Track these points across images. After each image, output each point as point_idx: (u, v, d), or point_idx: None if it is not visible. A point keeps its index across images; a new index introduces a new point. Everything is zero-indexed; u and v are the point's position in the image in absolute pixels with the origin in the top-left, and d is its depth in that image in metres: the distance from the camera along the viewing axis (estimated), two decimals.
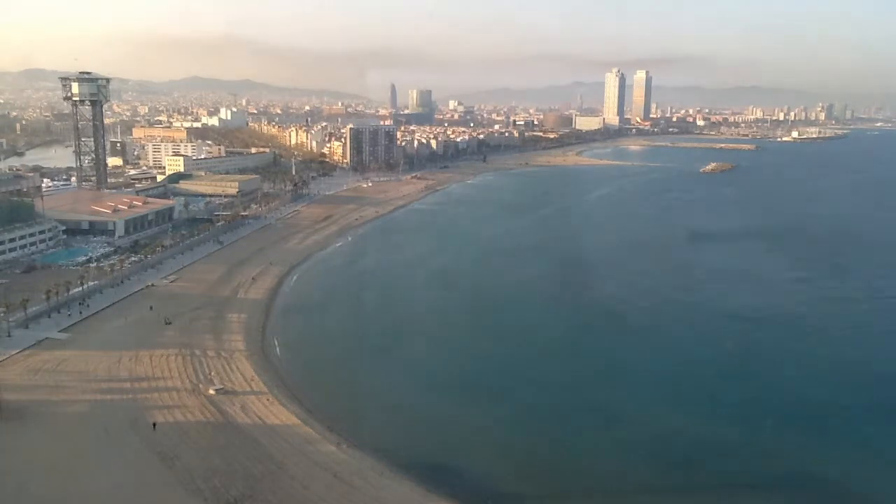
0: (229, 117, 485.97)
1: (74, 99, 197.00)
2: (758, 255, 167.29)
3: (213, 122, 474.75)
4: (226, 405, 76.38)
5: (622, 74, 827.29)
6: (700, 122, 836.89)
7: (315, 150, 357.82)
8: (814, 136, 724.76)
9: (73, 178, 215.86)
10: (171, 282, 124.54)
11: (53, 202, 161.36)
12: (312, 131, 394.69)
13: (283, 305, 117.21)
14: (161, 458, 64.50)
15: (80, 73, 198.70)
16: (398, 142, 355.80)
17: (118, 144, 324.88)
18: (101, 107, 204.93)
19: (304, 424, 73.66)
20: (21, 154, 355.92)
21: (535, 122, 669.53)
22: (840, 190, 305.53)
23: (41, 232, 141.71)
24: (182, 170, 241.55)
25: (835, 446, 73.87)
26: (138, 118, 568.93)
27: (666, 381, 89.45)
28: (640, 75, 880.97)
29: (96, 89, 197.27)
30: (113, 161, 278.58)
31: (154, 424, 70.29)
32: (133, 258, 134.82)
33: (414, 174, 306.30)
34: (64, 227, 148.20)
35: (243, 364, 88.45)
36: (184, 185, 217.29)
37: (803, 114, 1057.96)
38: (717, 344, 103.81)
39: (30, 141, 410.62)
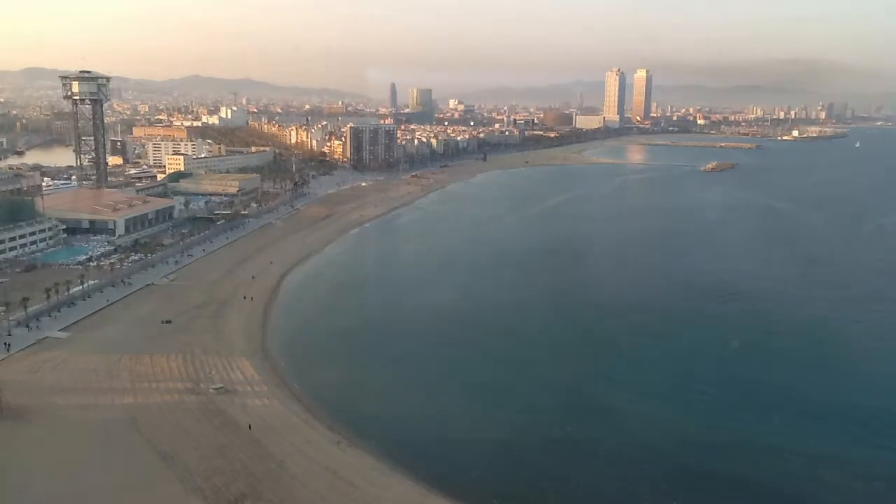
0: (229, 116, 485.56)
1: (75, 98, 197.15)
2: None
3: (214, 120, 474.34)
4: (226, 404, 76.33)
5: (622, 73, 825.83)
6: (700, 122, 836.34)
7: (315, 149, 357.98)
8: (814, 135, 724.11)
9: (74, 177, 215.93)
10: (171, 281, 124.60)
11: (54, 201, 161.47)
12: (312, 130, 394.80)
13: (284, 304, 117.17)
14: (161, 457, 64.48)
15: (81, 71, 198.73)
16: (398, 141, 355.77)
17: (118, 143, 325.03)
18: (102, 105, 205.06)
19: (304, 424, 73.69)
20: (21, 153, 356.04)
21: (536, 121, 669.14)
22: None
23: (41, 231, 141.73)
24: (182, 169, 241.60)
25: None
26: (139, 117, 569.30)
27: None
28: (641, 74, 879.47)
29: (96, 88, 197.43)
30: (113, 160, 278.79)
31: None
32: (133, 257, 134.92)
33: (414, 173, 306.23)
34: (64, 226, 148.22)
35: (243, 363, 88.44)
36: (184, 183, 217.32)
37: (804, 113, 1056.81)
38: None
39: (30, 140, 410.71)
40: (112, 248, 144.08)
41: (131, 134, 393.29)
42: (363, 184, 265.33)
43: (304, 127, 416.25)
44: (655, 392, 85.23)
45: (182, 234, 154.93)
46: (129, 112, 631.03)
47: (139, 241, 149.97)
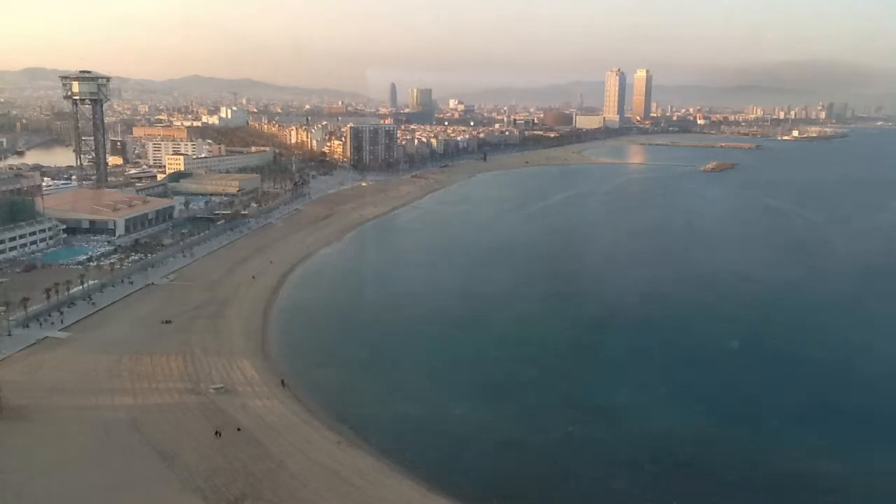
0: (229, 116, 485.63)
1: (75, 98, 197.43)
2: None
3: (214, 120, 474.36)
4: (226, 404, 76.33)
5: (622, 73, 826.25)
6: (700, 122, 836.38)
7: (315, 149, 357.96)
8: (814, 134, 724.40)
9: (74, 177, 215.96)
10: (171, 281, 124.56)
11: (54, 201, 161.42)
12: (312, 130, 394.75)
13: (284, 304, 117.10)
14: (161, 457, 64.46)
15: (81, 71, 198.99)
16: (398, 141, 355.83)
17: (119, 143, 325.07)
18: (102, 105, 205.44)
19: (304, 423, 73.63)
20: (21, 153, 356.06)
21: (536, 121, 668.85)
22: None
23: (42, 231, 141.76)
24: (182, 169, 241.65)
25: None
26: (139, 117, 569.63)
27: None
28: (641, 74, 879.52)
29: (96, 88, 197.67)
30: (113, 160, 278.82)
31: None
32: (133, 257, 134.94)
33: (414, 173, 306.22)
34: (64, 226, 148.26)
35: (243, 363, 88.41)
36: (184, 183, 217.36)
37: (804, 113, 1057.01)
38: None
39: (30, 140, 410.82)
40: (112, 248, 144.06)
41: (131, 134, 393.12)
42: (363, 184, 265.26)
43: (304, 127, 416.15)
44: (655, 392, 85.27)
45: (182, 234, 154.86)
46: (129, 112, 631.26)
47: (139, 241, 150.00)
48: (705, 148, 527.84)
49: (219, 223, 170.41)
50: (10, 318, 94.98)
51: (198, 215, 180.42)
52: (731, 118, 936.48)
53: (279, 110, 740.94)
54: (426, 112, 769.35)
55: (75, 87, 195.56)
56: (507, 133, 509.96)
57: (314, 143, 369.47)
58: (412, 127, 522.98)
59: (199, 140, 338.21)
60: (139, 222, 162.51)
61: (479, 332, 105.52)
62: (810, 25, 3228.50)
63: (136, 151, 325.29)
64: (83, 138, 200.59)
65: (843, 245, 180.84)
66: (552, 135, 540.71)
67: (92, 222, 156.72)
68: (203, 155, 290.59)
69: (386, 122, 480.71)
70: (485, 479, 65.72)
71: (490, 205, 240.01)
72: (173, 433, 69.08)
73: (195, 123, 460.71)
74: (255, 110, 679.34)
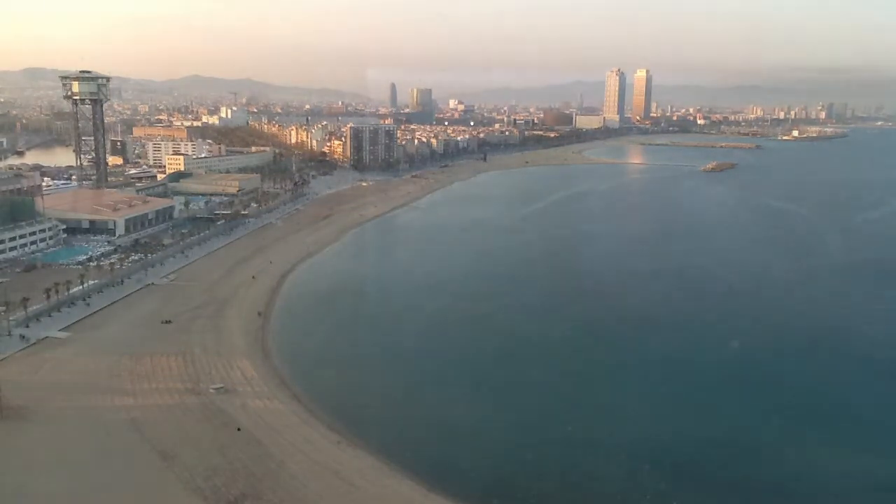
0: (230, 116, 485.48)
1: (75, 98, 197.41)
2: None
3: (214, 120, 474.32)
4: (226, 404, 76.36)
5: (622, 73, 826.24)
6: (700, 122, 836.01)
7: (315, 149, 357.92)
8: (814, 135, 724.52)
9: (74, 177, 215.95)
10: (171, 281, 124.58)
11: (54, 201, 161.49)
12: (312, 130, 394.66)
13: (283, 304, 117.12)
14: (161, 457, 64.50)
15: (81, 71, 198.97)
16: (398, 141, 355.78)
17: (119, 143, 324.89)
18: (102, 105, 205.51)
19: (304, 423, 73.72)
20: (21, 153, 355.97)
21: (536, 121, 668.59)
22: None
23: (42, 231, 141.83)
24: (182, 169, 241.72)
25: None
26: (139, 117, 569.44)
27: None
28: (641, 74, 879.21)
29: (96, 88, 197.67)
30: (113, 160, 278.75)
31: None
32: (133, 257, 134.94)
33: (414, 173, 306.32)
34: (64, 226, 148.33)
35: (243, 363, 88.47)
36: (184, 183, 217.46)
37: (804, 113, 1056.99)
38: None
39: (30, 140, 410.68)
40: (112, 248, 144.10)
41: (131, 134, 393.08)
42: (363, 184, 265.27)
43: (304, 127, 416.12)
44: (655, 392, 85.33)
45: (182, 234, 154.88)
46: (129, 112, 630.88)
47: (139, 241, 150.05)
48: (705, 148, 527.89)
49: (219, 223, 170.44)
50: (10, 318, 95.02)
51: (198, 215, 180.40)
52: (731, 118, 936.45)
53: (279, 110, 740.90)
54: (426, 112, 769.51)
55: (75, 87, 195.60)
56: (507, 133, 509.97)
57: (314, 143, 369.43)
58: (412, 127, 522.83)
59: (199, 140, 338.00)
60: (139, 222, 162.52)
61: (479, 332, 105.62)
62: (810, 25, 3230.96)
63: (136, 151, 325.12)
64: (83, 138, 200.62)
65: (841, 244, 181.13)
66: (552, 135, 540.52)
67: (92, 222, 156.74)
68: (203, 155, 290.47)
69: (386, 122, 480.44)
70: (485, 479, 65.72)
71: (490, 204, 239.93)
72: (173, 433, 69.10)
73: (195, 123, 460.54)
74: (255, 110, 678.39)
